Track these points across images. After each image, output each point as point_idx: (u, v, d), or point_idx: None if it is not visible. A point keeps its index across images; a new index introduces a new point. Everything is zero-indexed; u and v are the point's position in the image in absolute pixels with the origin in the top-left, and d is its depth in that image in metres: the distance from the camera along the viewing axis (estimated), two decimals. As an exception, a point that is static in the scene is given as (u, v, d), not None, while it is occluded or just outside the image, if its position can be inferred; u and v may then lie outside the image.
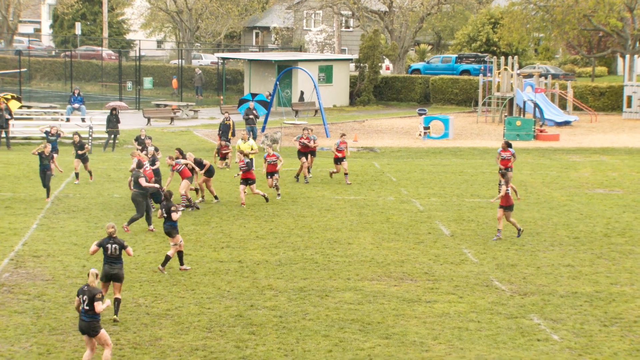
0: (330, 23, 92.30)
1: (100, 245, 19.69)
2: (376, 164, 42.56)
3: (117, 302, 19.55)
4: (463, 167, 41.65)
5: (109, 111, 46.81)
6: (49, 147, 32.32)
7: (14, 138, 46.86)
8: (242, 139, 36.32)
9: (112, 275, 19.56)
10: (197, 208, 31.25)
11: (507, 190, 26.99)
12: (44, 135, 37.96)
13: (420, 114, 57.13)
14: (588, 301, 21.62)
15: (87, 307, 16.29)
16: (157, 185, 29.03)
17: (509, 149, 33.31)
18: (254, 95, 50.79)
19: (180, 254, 23.58)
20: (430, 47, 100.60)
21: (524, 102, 57.26)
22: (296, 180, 36.88)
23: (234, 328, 19.33)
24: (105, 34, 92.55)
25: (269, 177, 33.47)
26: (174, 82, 73.28)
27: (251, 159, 34.48)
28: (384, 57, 76.56)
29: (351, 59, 75.46)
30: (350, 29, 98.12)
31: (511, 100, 59.16)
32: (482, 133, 55.85)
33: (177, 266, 23.65)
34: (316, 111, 61.66)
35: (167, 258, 23.27)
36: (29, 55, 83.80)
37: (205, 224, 29.17)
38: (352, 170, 39.46)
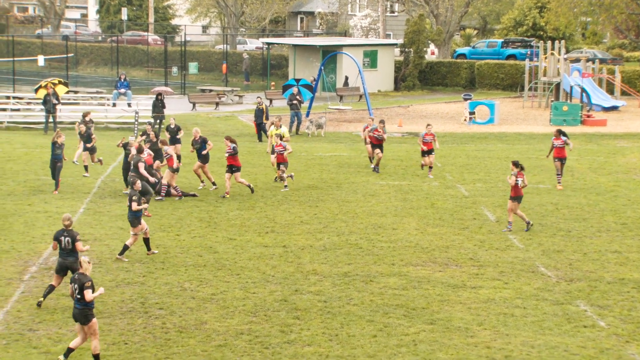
0: (375, 8, 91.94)
1: (55, 238, 19.46)
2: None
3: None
4: (508, 153, 41.36)
5: (155, 96, 47.07)
6: (63, 136, 31.26)
7: (61, 123, 47.26)
8: (273, 125, 35.60)
9: (66, 266, 19.39)
10: (195, 195, 30.85)
11: (518, 180, 26.13)
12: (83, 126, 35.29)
13: (466, 99, 56.79)
14: (635, 287, 21.41)
15: (79, 296, 16.25)
16: (152, 179, 28.90)
17: (562, 137, 32.35)
18: (297, 80, 50.78)
19: (146, 240, 23.36)
20: (476, 31, 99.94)
21: (571, 87, 56.72)
22: (374, 170, 35.61)
23: (278, 312, 19.38)
24: (151, 19, 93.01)
25: (278, 167, 32.63)
26: (224, 67, 73.43)
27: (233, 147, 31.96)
28: (429, 41, 76.19)
29: (396, 44, 75.17)
30: (395, 14, 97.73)
31: (558, 85, 58.63)
32: (528, 118, 55.40)
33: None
34: (361, 96, 61.52)
35: (125, 247, 23.05)
36: (75, 40, 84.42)
37: (250, 208, 29.25)
38: (396, 155, 39.37)
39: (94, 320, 16.34)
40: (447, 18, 78.35)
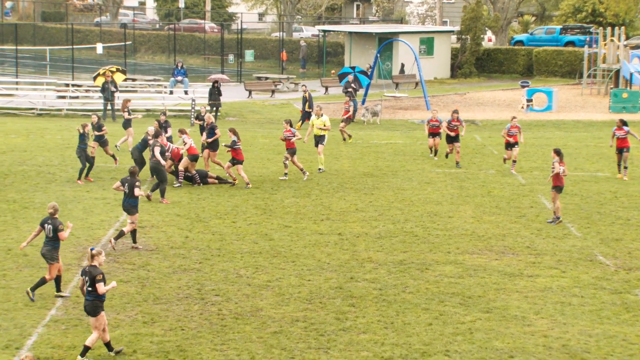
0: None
1: (41, 224, 19.32)
2: (477, 137, 42.13)
3: (40, 281, 19.09)
4: (566, 140, 40.94)
5: (211, 84, 47.30)
6: (89, 126, 30.74)
7: (118, 110, 47.70)
8: (315, 115, 34.14)
9: (42, 254, 19.24)
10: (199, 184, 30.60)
11: (561, 169, 25.44)
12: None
13: (523, 86, 56.28)
14: (696, 278, 21.10)
15: (90, 288, 16.14)
16: (163, 163, 28.52)
17: (624, 127, 31.45)
18: (353, 67, 50.67)
19: (133, 232, 22.93)
20: (533, 18, 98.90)
21: (631, 74, 55.93)
22: (457, 166, 34.27)
23: (334, 300, 19.40)
24: (208, 7, 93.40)
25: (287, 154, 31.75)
26: (283, 54, 73.46)
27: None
28: (487, 28, 75.56)
29: (453, 31, 74.68)
30: (452, 1, 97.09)
31: (617, 72, 57.84)
32: (587, 106, 54.77)
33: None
34: (417, 84, 61.26)
35: (121, 233, 22.73)
36: (133, 28, 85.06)
37: (306, 196, 29.29)
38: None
39: (102, 313, 16.17)
40: (504, 4, 77.60)
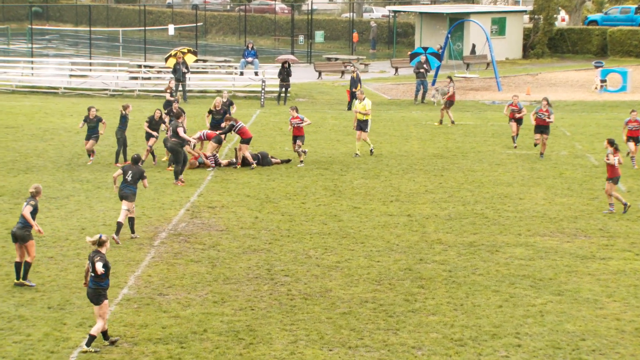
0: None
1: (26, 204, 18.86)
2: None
3: (25, 265, 18.67)
4: (641, 122, 40.23)
5: (281, 64, 47.39)
6: (93, 110, 30.21)
7: (190, 91, 48.08)
8: (357, 99, 33.25)
9: (16, 235, 18.68)
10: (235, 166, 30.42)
11: (615, 160, 24.56)
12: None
13: (597, 67, 55.40)
14: None
15: (93, 274, 15.75)
16: (191, 139, 28.98)
17: None
18: (425, 49, 50.39)
19: (131, 221, 22.15)
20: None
21: None
22: (541, 156, 32.43)
23: (403, 281, 19.36)
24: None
25: (294, 141, 30.88)
26: (355, 35, 73.20)
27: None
28: (560, 8, 74.47)
29: (525, 11, 73.75)
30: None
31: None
32: (662, 86, 53.79)
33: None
34: (488, 64, 60.70)
35: (120, 225, 21.86)
36: (205, 9, 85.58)
37: (375, 177, 29.24)
38: (525, 124, 38.71)
39: (106, 301, 15.85)
40: (578, -16, 76.47)
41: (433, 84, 50.63)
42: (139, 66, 53.67)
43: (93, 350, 15.47)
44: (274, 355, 15.52)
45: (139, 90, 49.30)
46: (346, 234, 22.84)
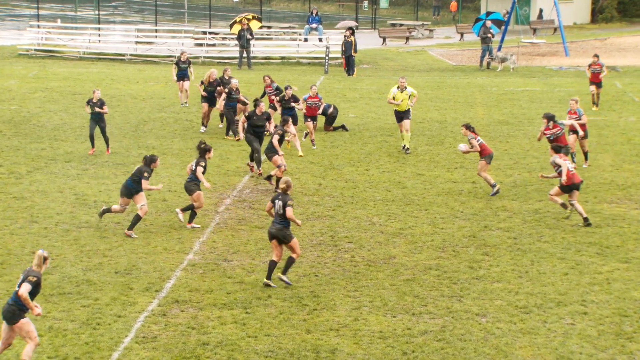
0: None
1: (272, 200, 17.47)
2: (618, 84, 40.95)
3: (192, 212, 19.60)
4: None
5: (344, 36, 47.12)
6: (98, 92, 27.33)
7: (254, 58, 48.15)
8: (399, 88, 28.02)
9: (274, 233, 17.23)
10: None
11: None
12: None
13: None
14: None
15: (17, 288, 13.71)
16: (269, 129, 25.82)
17: None
18: (488, 14, 49.78)
19: (193, 212, 20.74)
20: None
21: None
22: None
23: (467, 248, 19.28)
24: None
25: (308, 120, 28.78)
26: (453, 4, 71.82)
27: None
28: (629, -29, 73.06)
29: (594, -26, 72.51)
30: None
31: None
32: None
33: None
34: (555, 29, 59.83)
35: (193, 214, 20.74)
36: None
37: (439, 144, 29.08)
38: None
39: (24, 320, 13.65)
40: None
41: (499, 49, 50.04)
42: (204, 33, 53.85)
43: None
44: (338, 321, 15.58)
45: (204, 57, 49.48)
46: (410, 201, 22.78)
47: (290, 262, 17.20)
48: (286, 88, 28.96)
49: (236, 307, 16.11)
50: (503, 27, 50.36)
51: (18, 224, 20.60)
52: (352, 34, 45.64)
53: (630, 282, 17.31)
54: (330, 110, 30.98)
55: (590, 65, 34.23)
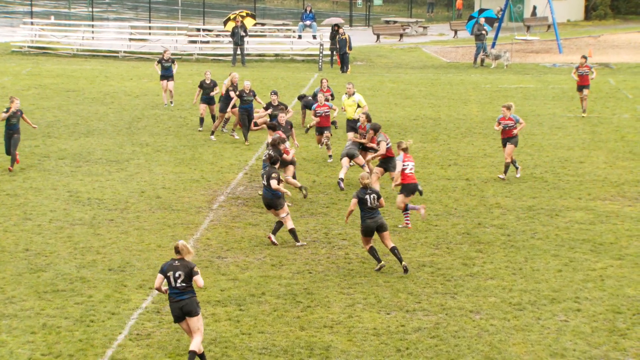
0: None
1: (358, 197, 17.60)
2: (611, 81, 41.02)
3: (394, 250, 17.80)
4: None
5: (330, 27, 47.11)
6: (17, 102, 25.15)
7: (248, 55, 48.12)
8: (346, 94, 26.96)
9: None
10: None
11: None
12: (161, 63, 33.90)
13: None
14: None
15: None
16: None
17: None
18: (481, 11, 49.86)
19: (279, 225, 19.41)
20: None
21: None
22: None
23: (461, 245, 19.29)
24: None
25: (318, 133, 26.37)
26: (459, 2, 71.68)
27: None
28: (623, -32, 73.18)
29: (587, -29, 72.61)
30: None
31: None
32: None
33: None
34: (549, 26, 59.91)
35: (292, 231, 19.27)
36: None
37: (433, 141, 29.10)
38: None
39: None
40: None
41: (493, 46, 50.10)
42: (198, 30, 53.83)
43: None
44: (332, 318, 15.58)
45: (198, 54, 49.47)
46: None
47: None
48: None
49: (230, 304, 16.11)
50: (495, 25, 50.38)
51: (11, 221, 20.57)
52: (338, 30, 45.60)
53: (624, 279, 17.34)
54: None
55: (577, 68, 32.13)
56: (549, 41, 55.18)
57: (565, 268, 17.93)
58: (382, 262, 17.76)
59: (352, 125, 25.94)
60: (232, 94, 28.79)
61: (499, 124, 24.14)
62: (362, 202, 17.67)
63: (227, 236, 19.84)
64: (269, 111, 26.72)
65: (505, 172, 24.19)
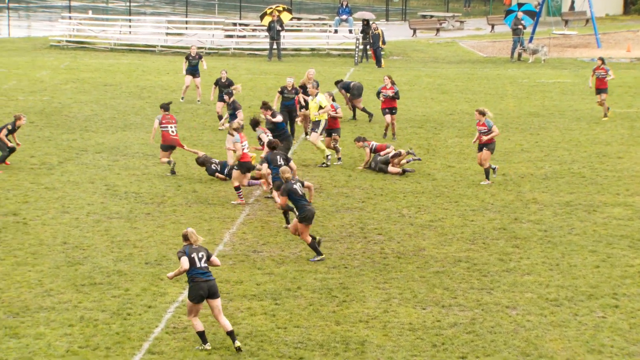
0: None
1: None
2: (650, 76, 40.66)
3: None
4: None
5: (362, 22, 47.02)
6: (24, 119, 25.09)
7: (284, 49, 48.14)
8: (310, 94, 26.43)
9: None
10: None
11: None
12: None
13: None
14: None
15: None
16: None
17: None
18: (520, 5, 49.54)
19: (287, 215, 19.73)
20: None
21: None
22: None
23: (497, 241, 19.20)
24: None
25: (327, 135, 25.98)
26: None
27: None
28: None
29: (627, -35, 71.93)
30: None
31: None
32: None
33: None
34: (587, 21, 59.43)
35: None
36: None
37: (469, 136, 28.97)
38: (624, 82, 37.92)
39: None
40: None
41: (530, 41, 49.77)
42: (234, 24, 53.92)
43: None
44: (367, 313, 15.58)
45: (234, 49, 49.57)
46: (440, 193, 22.72)
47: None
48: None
49: (266, 299, 16.14)
50: (535, 18, 50.07)
51: (50, 214, 20.73)
52: (368, 25, 45.49)
53: (662, 276, 17.20)
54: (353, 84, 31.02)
55: (594, 70, 31.05)
56: (587, 35, 54.75)
57: (603, 264, 17.81)
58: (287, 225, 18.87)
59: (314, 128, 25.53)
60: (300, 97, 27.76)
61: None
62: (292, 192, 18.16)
63: (262, 230, 19.89)
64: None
65: (487, 177, 23.44)
